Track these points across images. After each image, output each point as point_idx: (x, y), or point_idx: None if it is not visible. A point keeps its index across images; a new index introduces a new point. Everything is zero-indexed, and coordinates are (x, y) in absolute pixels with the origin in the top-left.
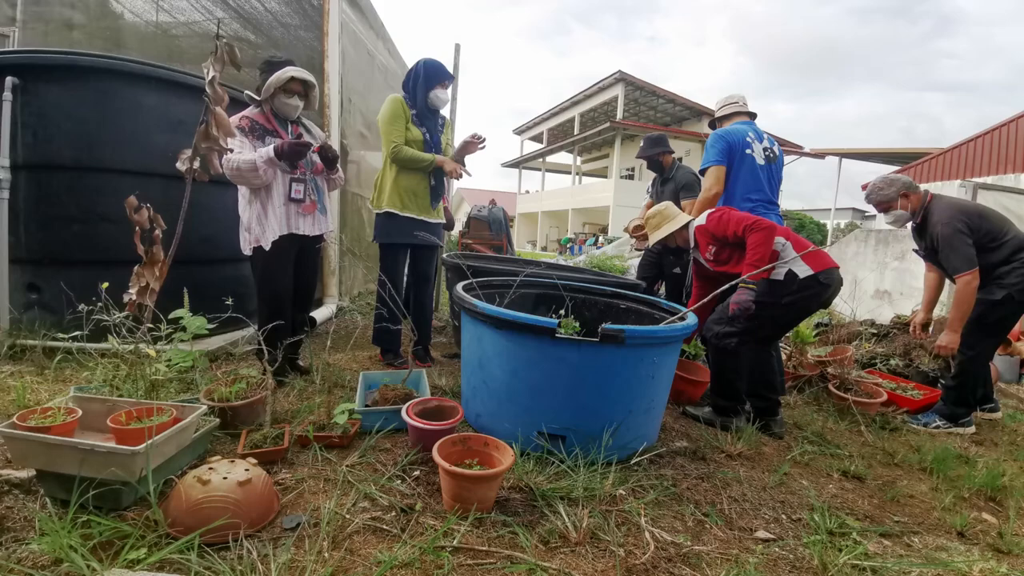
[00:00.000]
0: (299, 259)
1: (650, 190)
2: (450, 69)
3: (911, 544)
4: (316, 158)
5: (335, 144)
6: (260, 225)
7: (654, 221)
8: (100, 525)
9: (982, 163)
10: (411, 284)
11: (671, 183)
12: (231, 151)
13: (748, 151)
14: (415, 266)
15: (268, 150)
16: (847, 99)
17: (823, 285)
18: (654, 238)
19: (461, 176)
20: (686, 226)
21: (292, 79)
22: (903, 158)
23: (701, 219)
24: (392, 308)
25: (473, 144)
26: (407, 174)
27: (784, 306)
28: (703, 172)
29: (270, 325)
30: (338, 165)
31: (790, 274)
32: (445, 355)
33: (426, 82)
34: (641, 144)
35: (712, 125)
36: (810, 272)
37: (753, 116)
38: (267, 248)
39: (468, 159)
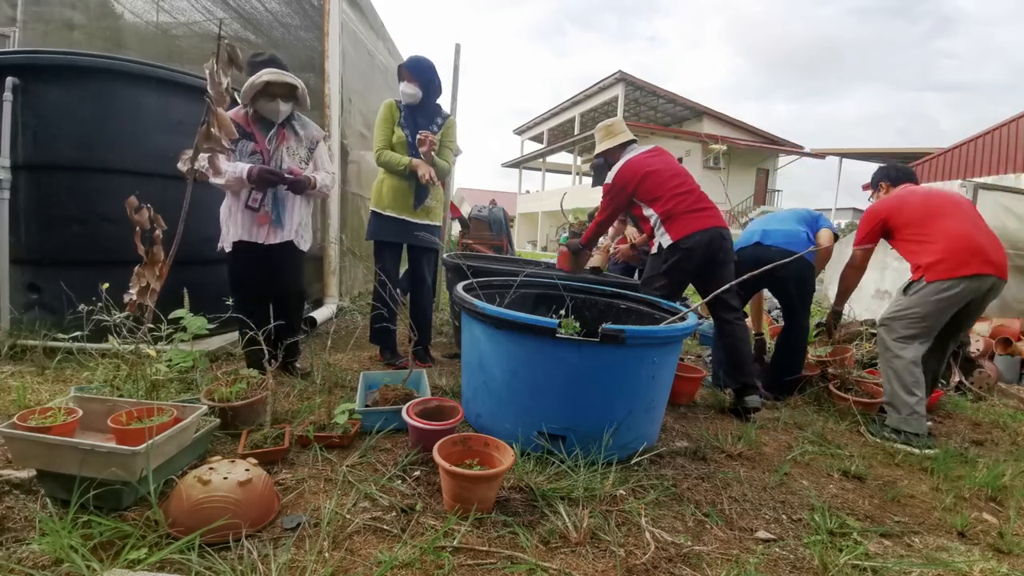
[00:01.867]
0: (269, 265)
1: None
2: (450, 69)
3: (912, 544)
4: (291, 163)
5: (335, 144)
6: (225, 227)
7: (602, 132)
8: (100, 525)
9: (982, 163)
10: (409, 285)
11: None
12: (232, 151)
13: None
14: (411, 267)
15: (242, 169)
16: (847, 99)
17: (684, 250)
18: (598, 148)
19: (429, 181)
20: (622, 146)
21: (267, 84)
22: (903, 158)
23: (614, 172)
24: (388, 307)
25: (421, 142)
26: (395, 176)
27: (664, 274)
28: None
29: (251, 320)
30: (312, 179)
31: (659, 246)
32: (445, 355)
33: (397, 79)
34: (593, 175)
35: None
36: (670, 241)
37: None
38: (228, 249)
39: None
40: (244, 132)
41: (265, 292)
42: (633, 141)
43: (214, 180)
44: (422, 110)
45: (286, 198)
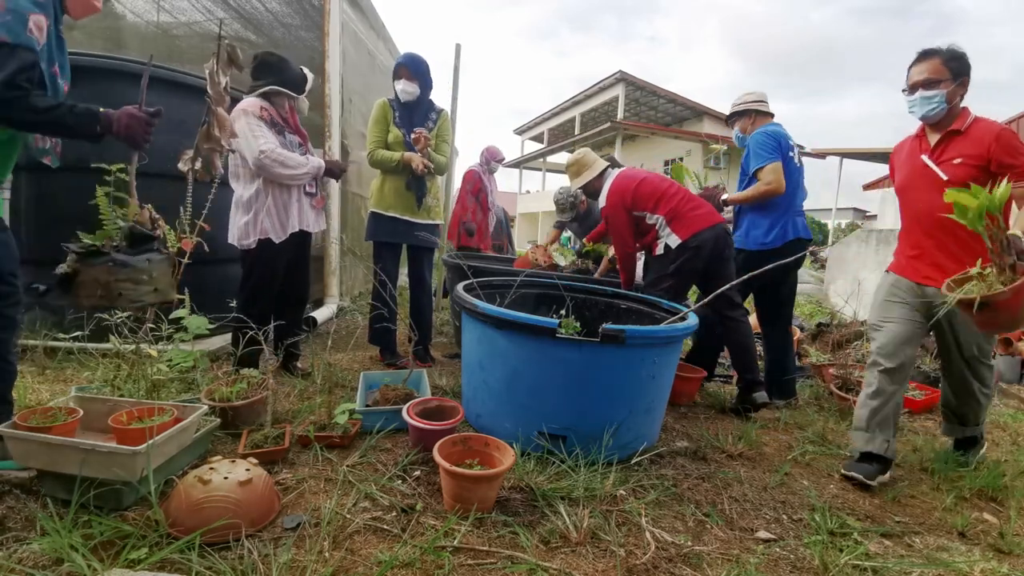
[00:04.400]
0: (297, 254)
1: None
2: (450, 70)
3: (912, 544)
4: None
5: (336, 144)
6: (272, 218)
7: (573, 168)
8: (101, 525)
9: None
10: (410, 285)
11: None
12: (232, 151)
13: (791, 153)
14: (410, 267)
15: (320, 163)
16: (847, 99)
17: (693, 248)
18: (575, 185)
19: (424, 171)
20: (602, 174)
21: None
22: None
23: (604, 195)
24: (388, 307)
25: (416, 140)
26: (392, 175)
27: (672, 275)
28: (758, 171)
29: (251, 318)
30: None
31: (666, 247)
32: (445, 355)
33: (393, 78)
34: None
35: (729, 120)
36: (679, 241)
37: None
38: (277, 242)
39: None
40: (282, 127)
41: (282, 287)
42: (609, 166)
43: (273, 166)
44: (417, 107)
45: (324, 184)
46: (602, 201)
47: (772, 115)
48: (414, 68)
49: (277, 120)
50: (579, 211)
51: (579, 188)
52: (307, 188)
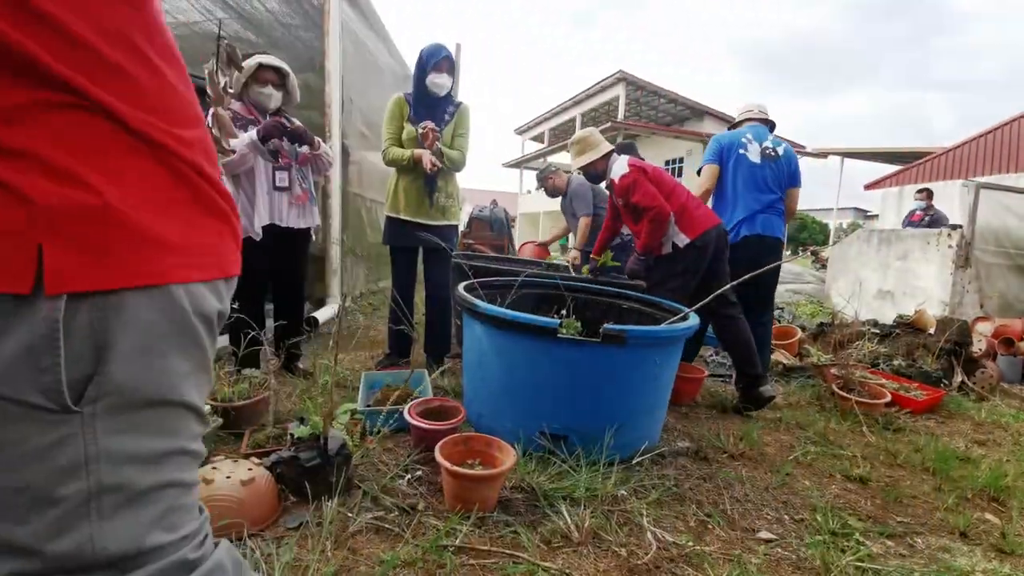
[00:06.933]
0: (284, 252)
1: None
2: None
3: (914, 544)
4: (303, 148)
5: (336, 144)
6: (246, 215)
7: (578, 147)
8: None
9: (983, 163)
10: (425, 293)
11: (567, 198)
12: (233, 152)
13: (742, 151)
14: (425, 272)
15: (251, 133)
16: (847, 99)
17: (700, 248)
18: (576, 164)
19: (434, 168)
20: (607, 155)
21: (260, 66)
22: (904, 158)
23: (622, 167)
24: (399, 312)
25: (424, 136)
26: (405, 175)
27: (680, 274)
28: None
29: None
30: (316, 140)
31: (674, 246)
32: (446, 355)
33: (421, 69)
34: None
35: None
36: (687, 240)
37: (767, 123)
38: (256, 238)
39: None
40: (248, 119)
41: (277, 286)
42: (613, 150)
43: (227, 161)
44: (438, 102)
45: (310, 176)
46: (617, 172)
47: (764, 121)
48: (451, 61)
49: (243, 116)
50: (547, 188)
51: (579, 169)
52: (276, 183)
